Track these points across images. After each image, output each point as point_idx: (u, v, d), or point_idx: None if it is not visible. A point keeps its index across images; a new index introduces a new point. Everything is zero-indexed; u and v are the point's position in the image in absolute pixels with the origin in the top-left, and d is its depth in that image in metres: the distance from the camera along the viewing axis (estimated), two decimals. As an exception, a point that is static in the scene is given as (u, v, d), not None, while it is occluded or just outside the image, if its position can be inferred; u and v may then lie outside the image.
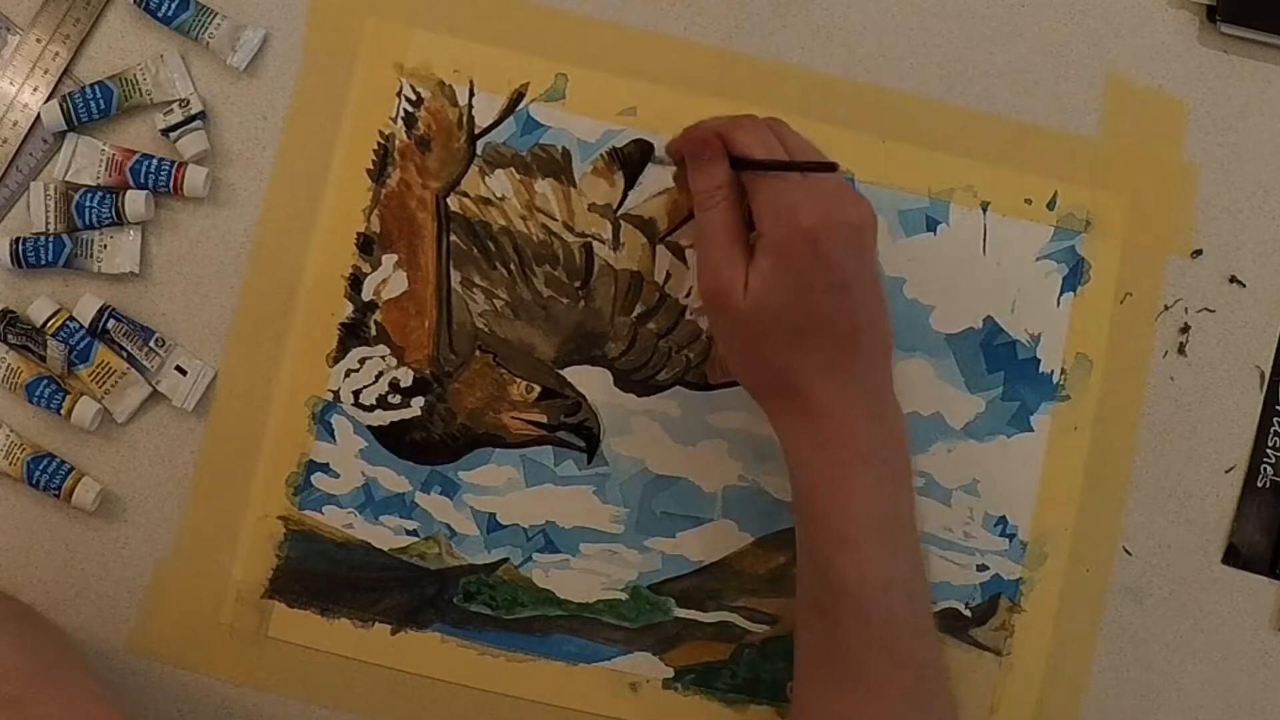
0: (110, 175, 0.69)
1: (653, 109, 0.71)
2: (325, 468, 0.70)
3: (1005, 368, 0.71)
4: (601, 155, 0.71)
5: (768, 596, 0.70)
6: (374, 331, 0.70)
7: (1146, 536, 0.71)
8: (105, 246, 0.69)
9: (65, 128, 0.69)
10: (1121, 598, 0.71)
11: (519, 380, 0.70)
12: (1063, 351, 0.71)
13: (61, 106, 0.69)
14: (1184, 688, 0.71)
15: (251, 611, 0.70)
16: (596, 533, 0.70)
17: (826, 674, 0.58)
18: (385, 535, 0.70)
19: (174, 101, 0.69)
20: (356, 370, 0.70)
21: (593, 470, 0.70)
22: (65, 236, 0.69)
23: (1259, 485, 0.71)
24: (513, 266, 0.71)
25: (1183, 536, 0.72)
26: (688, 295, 0.71)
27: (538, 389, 0.70)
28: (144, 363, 0.69)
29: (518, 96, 0.71)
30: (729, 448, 0.71)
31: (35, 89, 0.69)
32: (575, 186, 0.71)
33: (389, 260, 0.70)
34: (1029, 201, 0.72)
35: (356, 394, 0.70)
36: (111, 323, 0.69)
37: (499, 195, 0.71)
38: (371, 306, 0.70)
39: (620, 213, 0.71)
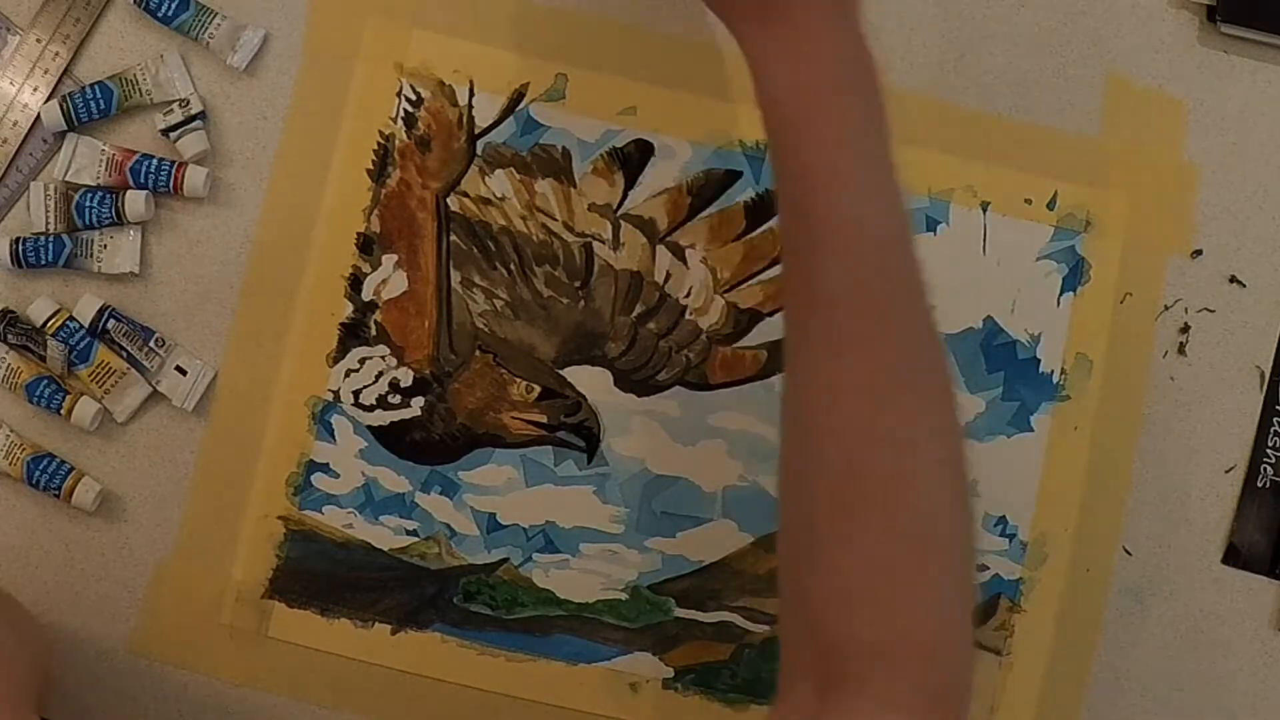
0: (110, 175, 0.69)
1: (653, 109, 0.71)
2: (325, 468, 0.70)
3: (1005, 368, 0.71)
4: (601, 155, 0.71)
5: (768, 596, 0.70)
6: (374, 331, 0.70)
7: (1146, 536, 0.71)
8: (105, 246, 0.69)
9: (65, 128, 0.69)
10: (1121, 598, 0.71)
11: (519, 380, 0.70)
12: (1063, 351, 0.71)
13: (61, 106, 0.69)
14: (1184, 688, 0.71)
15: (251, 611, 0.70)
16: (596, 533, 0.70)
17: (814, 336, 0.53)
18: (385, 535, 0.70)
19: (174, 101, 0.69)
20: (356, 370, 0.70)
21: (593, 470, 0.70)
22: (65, 236, 0.69)
23: (1259, 485, 0.71)
24: (513, 266, 0.71)
25: (1183, 536, 0.72)
26: (688, 295, 0.71)
27: (538, 389, 0.70)
28: (144, 363, 0.69)
29: (518, 96, 0.71)
30: (729, 448, 0.70)
31: (35, 89, 0.69)
32: (575, 186, 0.71)
33: (389, 260, 0.70)
34: (1029, 201, 0.71)
35: (356, 394, 0.70)
36: (111, 323, 0.69)
37: (499, 195, 0.71)
38: (371, 306, 0.70)
39: (620, 213, 0.71)
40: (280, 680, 0.70)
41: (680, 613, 0.70)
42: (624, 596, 0.70)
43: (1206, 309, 0.72)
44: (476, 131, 0.71)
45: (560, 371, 0.71)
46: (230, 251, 0.70)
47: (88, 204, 0.69)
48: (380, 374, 0.70)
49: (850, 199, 0.53)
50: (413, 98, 0.71)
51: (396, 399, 0.70)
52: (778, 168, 0.56)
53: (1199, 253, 0.72)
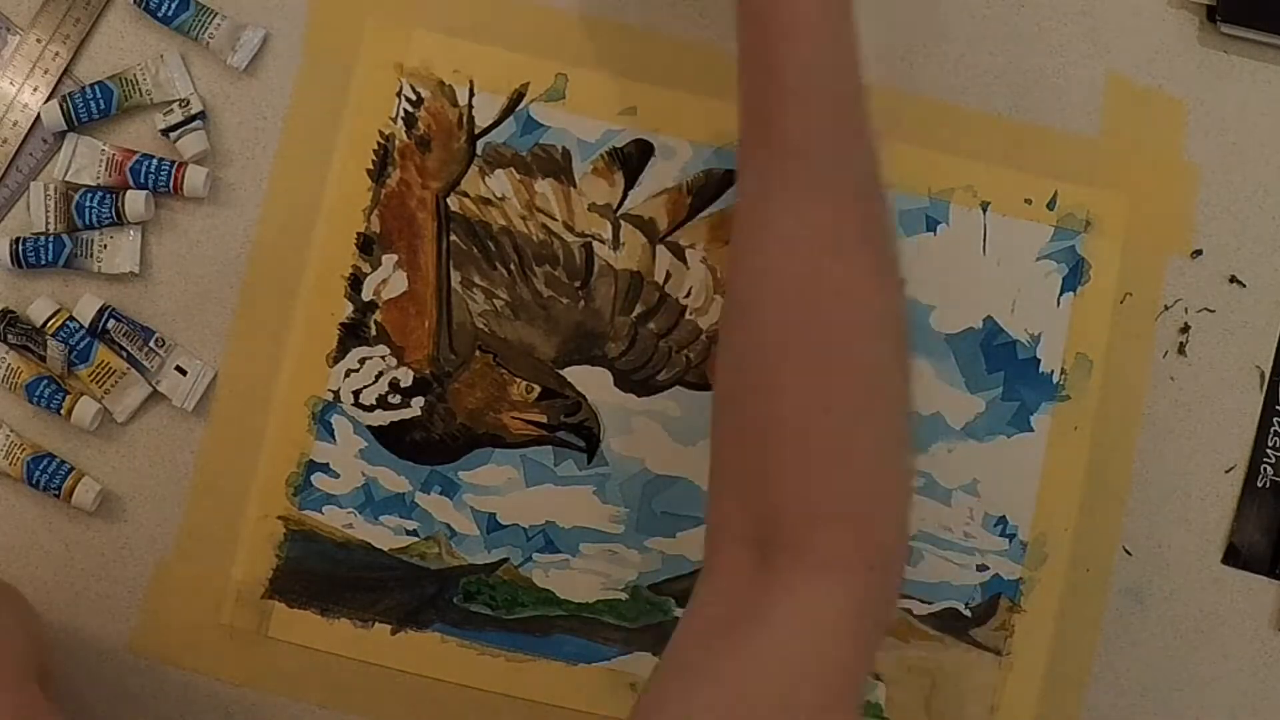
0: (110, 175, 0.69)
1: (653, 109, 0.71)
2: (325, 468, 0.70)
3: (1005, 368, 0.71)
4: (601, 155, 0.71)
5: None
6: (374, 331, 0.70)
7: (1146, 536, 0.71)
8: (105, 246, 0.69)
9: (65, 128, 0.69)
10: (1121, 598, 0.71)
11: (519, 380, 0.70)
12: (1063, 351, 0.71)
13: (61, 106, 0.69)
14: (1184, 688, 0.71)
15: (251, 611, 0.70)
16: (596, 533, 0.70)
17: (770, 187, 0.53)
18: (385, 535, 0.70)
19: (174, 101, 0.69)
20: (356, 370, 0.70)
21: (593, 470, 0.70)
22: (65, 236, 0.69)
23: (1259, 485, 0.71)
24: (513, 266, 0.71)
25: (1183, 536, 0.72)
26: (687, 295, 0.71)
27: (538, 389, 0.70)
28: (144, 363, 0.69)
29: (518, 96, 0.71)
30: (729, 448, 0.70)
31: (35, 89, 0.69)
32: (575, 186, 0.71)
33: (389, 260, 0.70)
34: (1029, 201, 0.71)
35: (356, 394, 0.70)
36: (111, 323, 0.69)
37: (499, 195, 0.71)
38: (371, 306, 0.70)
39: (620, 213, 0.71)
40: (280, 680, 0.70)
41: (680, 613, 0.70)
42: (624, 596, 0.70)
43: (1206, 309, 0.72)
44: (476, 131, 0.71)
45: (560, 371, 0.71)
46: (230, 251, 0.70)
47: (88, 204, 0.69)
48: (380, 374, 0.70)
49: (815, 51, 0.53)
50: (413, 98, 0.71)
51: (396, 399, 0.70)
52: (742, 13, 0.55)
53: (1199, 253, 0.72)
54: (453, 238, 0.71)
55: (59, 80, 0.70)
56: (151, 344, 0.69)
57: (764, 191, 0.53)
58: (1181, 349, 0.72)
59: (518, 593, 0.70)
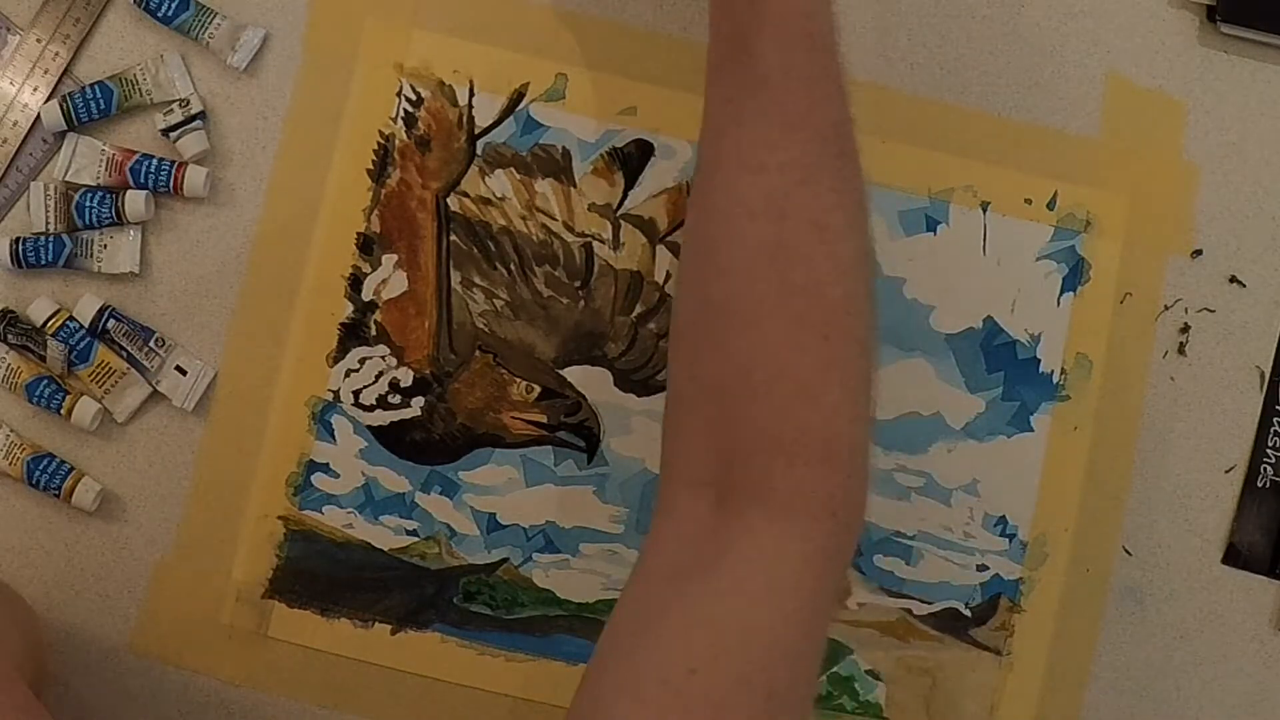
0: (110, 175, 0.69)
1: (653, 109, 0.71)
2: (325, 468, 0.70)
3: (1005, 368, 0.71)
4: (601, 155, 0.71)
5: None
6: (374, 331, 0.70)
7: (1146, 536, 0.71)
8: (105, 246, 0.69)
9: (65, 128, 0.69)
10: (1121, 598, 0.71)
11: (519, 380, 0.70)
12: (1063, 351, 0.71)
13: (61, 106, 0.69)
14: (1184, 688, 0.71)
15: (251, 611, 0.70)
16: (596, 533, 0.70)
17: (745, 117, 0.52)
18: (385, 535, 0.70)
19: (174, 101, 0.69)
20: (356, 370, 0.70)
21: (593, 470, 0.70)
22: (65, 236, 0.69)
23: (1259, 485, 0.71)
24: (513, 266, 0.71)
25: (1183, 536, 0.72)
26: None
27: (538, 389, 0.70)
28: (144, 363, 0.69)
29: (518, 96, 0.71)
30: (729, 448, 0.70)
31: (35, 89, 0.69)
32: (575, 186, 0.71)
33: (389, 260, 0.70)
34: (1029, 201, 0.71)
35: (356, 394, 0.70)
36: (111, 323, 0.69)
37: (499, 195, 0.71)
38: (371, 306, 0.70)
39: (620, 213, 0.71)
40: (280, 680, 0.70)
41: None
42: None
43: (1206, 309, 0.72)
44: (476, 131, 0.71)
45: (560, 371, 0.71)
46: (230, 251, 0.70)
47: (88, 204, 0.68)
48: (380, 374, 0.70)
49: None
50: (413, 98, 0.71)
51: (396, 399, 0.70)
52: None
53: (1199, 253, 0.72)
54: (453, 238, 0.70)
55: (59, 80, 0.70)
56: (151, 344, 0.69)
57: (735, 119, 0.52)
58: (1181, 349, 0.72)
59: (518, 593, 0.70)
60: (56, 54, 0.70)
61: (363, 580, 0.70)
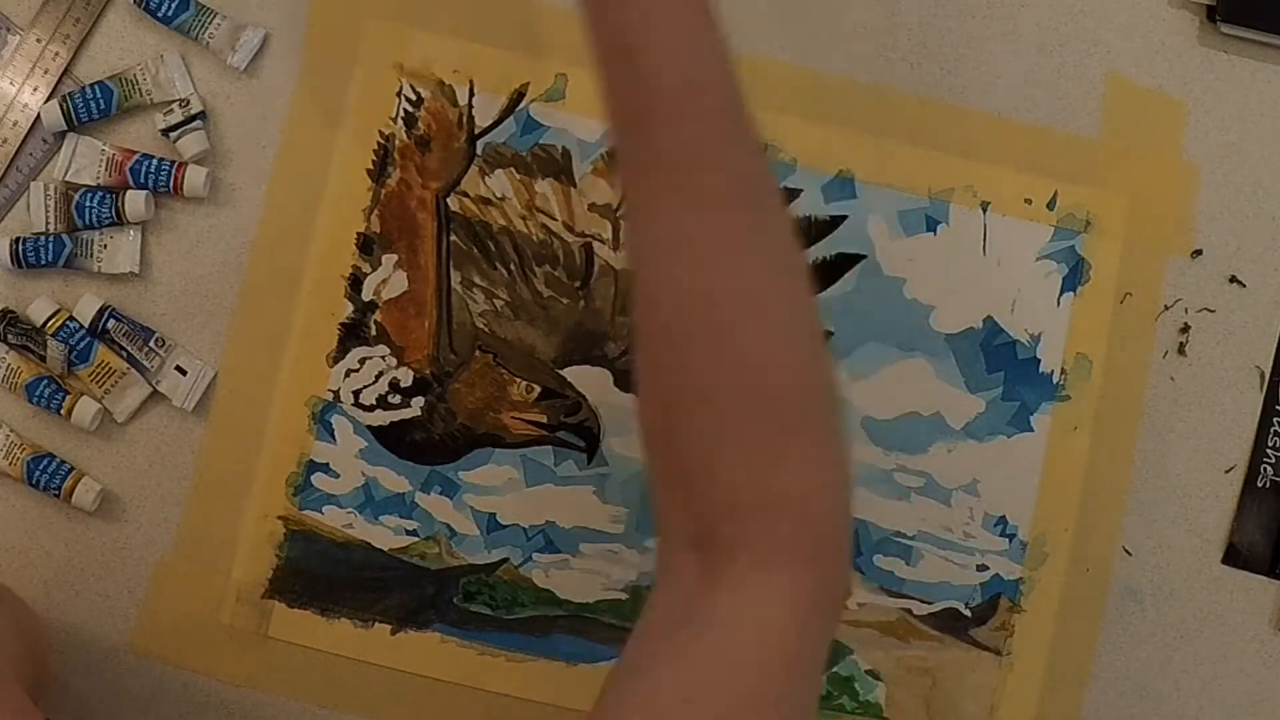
0: (110, 175, 0.69)
1: (653, 109, 0.71)
2: (325, 468, 0.70)
3: (1005, 368, 0.71)
4: (601, 155, 0.71)
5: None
6: (374, 331, 0.70)
7: (1146, 536, 0.71)
8: (105, 246, 0.69)
9: (65, 128, 0.69)
10: (1121, 598, 0.71)
11: (519, 380, 0.70)
12: (1063, 351, 0.71)
13: (61, 106, 0.69)
14: (1184, 688, 0.71)
15: (251, 611, 0.69)
16: (597, 533, 0.70)
17: (652, 192, 0.52)
18: (385, 535, 0.70)
19: (174, 101, 0.69)
20: (356, 370, 0.70)
21: (593, 470, 0.70)
22: (65, 236, 0.69)
23: (1259, 485, 0.71)
24: (513, 266, 0.71)
25: (1183, 536, 0.71)
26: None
27: (538, 389, 0.70)
28: (144, 363, 0.69)
29: (518, 96, 0.71)
30: (729, 448, 0.70)
31: (35, 89, 0.69)
32: (575, 186, 0.71)
33: (389, 260, 0.70)
34: (1029, 201, 0.71)
35: (356, 394, 0.70)
36: (111, 323, 0.69)
37: (499, 195, 0.71)
38: (371, 306, 0.70)
39: (620, 212, 0.71)
40: (280, 680, 0.70)
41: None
42: (624, 597, 0.70)
43: (1206, 309, 0.72)
44: (476, 131, 0.71)
45: (560, 371, 0.70)
46: (230, 251, 0.70)
47: (88, 204, 0.68)
48: (380, 374, 0.70)
49: (684, 52, 0.51)
50: (413, 98, 0.71)
51: (396, 399, 0.70)
52: (594, 20, 0.53)
53: (1199, 253, 0.72)
54: (453, 238, 0.70)
55: (59, 80, 0.70)
56: (151, 344, 0.69)
57: (647, 201, 0.52)
58: (1181, 349, 0.72)
59: (518, 593, 0.70)
60: (56, 54, 0.69)
61: (363, 580, 0.70)
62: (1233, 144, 0.72)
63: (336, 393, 0.70)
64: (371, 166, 0.70)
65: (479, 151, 0.71)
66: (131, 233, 0.69)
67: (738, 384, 0.50)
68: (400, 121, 0.70)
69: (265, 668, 0.70)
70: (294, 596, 0.70)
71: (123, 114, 0.70)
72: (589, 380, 0.70)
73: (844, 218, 0.71)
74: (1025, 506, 0.71)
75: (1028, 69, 0.72)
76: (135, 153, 0.69)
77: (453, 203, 0.70)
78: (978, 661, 0.70)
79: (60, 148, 0.69)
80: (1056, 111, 0.72)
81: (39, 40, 0.69)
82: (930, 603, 0.70)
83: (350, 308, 0.70)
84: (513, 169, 0.71)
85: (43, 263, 0.68)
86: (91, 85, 0.69)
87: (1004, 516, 0.71)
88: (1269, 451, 0.71)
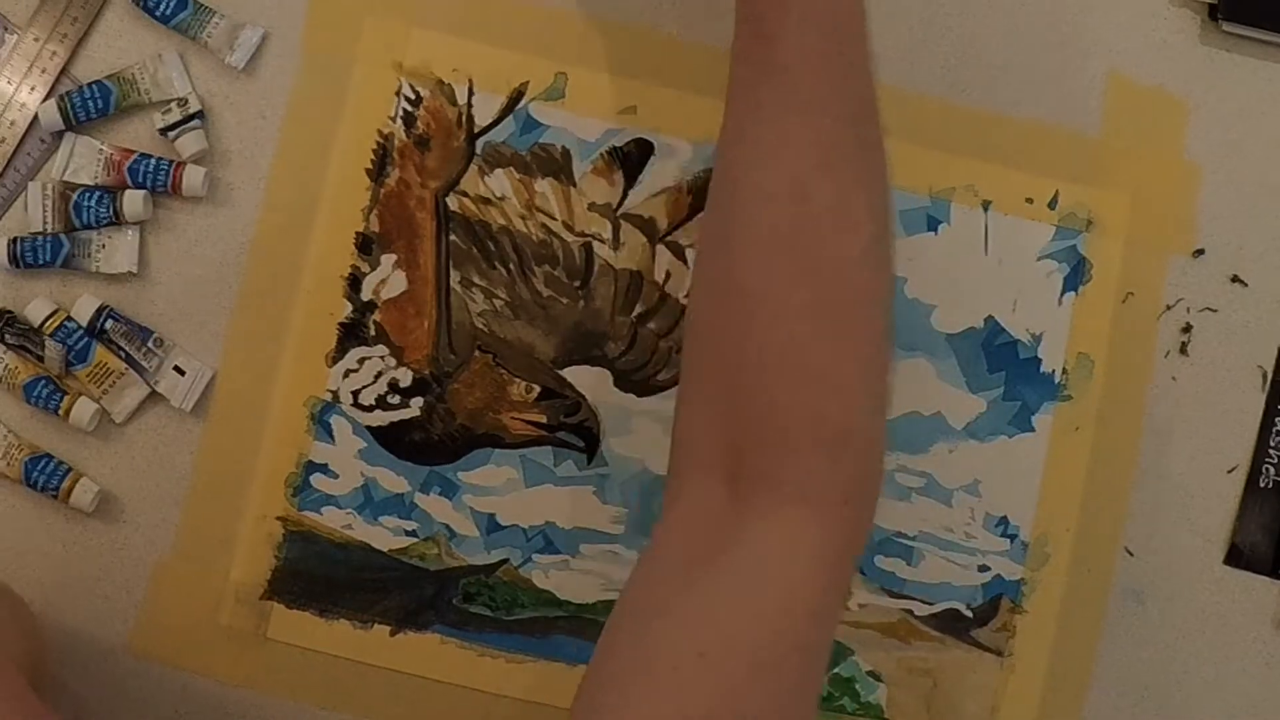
0: (108, 175, 0.69)
1: (653, 108, 0.71)
2: (324, 468, 0.70)
3: (1007, 367, 0.71)
4: (601, 154, 0.70)
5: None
6: (373, 331, 0.70)
7: (1148, 537, 0.71)
8: (103, 246, 0.69)
9: (63, 127, 0.69)
10: (1123, 599, 0.71)
11: (519, 380, 0.70)
12: (1064, 351, 0.71)
13: (59, 106, 0.68)
14: (1186, 689, 0.71)
15: (250, 612, 0.69)
16: (597, 533, 0.70)
17: (761, 99, 0.52)
18: (384, 536, 0.70)
19: (172, 101, 0.69)
20: (355, 370, 0.70)
21: (593, 470, 0.70)
22: (63, 236, 0.68)
23: (1261, 485, 0.71)
24: (512, 266, 0.70)
25: (1185, 537, 0.71)
26: (688, 295, 0.71)
27: (537, 389, 0.70)
28: (142, 363, 0.69)
29: (517, 95, 0.71)
30: (729, 448, 0.70)
31: (33, 88, 0.69)
32: (575, 186, 0.71)
33: (388, 260, 0.70)
34: (1030, 201, 0.71)
35: (355, 394, 0.70)
36: (109, 323, 0.69)
37: (498, 195, 0.70)
38: (370, 306, 0.70)
39: (620, 212, 0.71)
40: (279, 681, 0.69)
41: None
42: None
43: (1209, 308, 0.72)
44: (476, 131, 0.71)
45: (560, 371, 0.70)
46: (229, 251, 0.70)
47: (85, 204, 0.68)
48: (379, 374, 0.70)
49: None
50: (411, 97, 0.70)
51: (396, 399, 0.70)
52: None
53: (1201, 252, 0.72)
54: (452, 237, 0.70)
55: (57, 79, 0.69)
56: (150, 344, 0.69)
57: (754, 107, 0.52)
58: (1183, 348, 0.72)
59: (518, 594, 0.70)
60: (54, 53, 0.69)
61: (362, 581, 0.70)
62: (1235, 143, 0.72)
63: (335, 393, 0.70)
64: (370, 166, 0.70)
65: (478, 151, 0.70)
66: (129, 232, 0.69)
67: (811, 295, 0.48)
68: (399, 121, 0.70)
69: (264, 669, 0.69)
70: (293, 597, 0.69)
71: (121, 113, 0.69)
72: (589, 380, 0.70)
73: (845, 217, 0.70)
74: (1026, 507, 0.70)
75: (1029, 67, 0.72)
76: (133, 152, 0.69)
77: (452, 202, 0.70)
78: (979, 662, 0.70)
79: (58, 147, 0.69)
80: (1058, 110, 0.72)
81: (36, 39, 0.69)
82: (931, 604, 0.70)
83: (349, 308, 0.70)
84: (512, 168, 0.70)
85: (40, 263, 0.68)
86: (89, 84, 0.69)
87: (1005, 517, 0.71)
88: (1271, 451, 0.71)
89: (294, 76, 0.70)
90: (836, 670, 0.70)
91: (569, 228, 0.71)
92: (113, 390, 0.69)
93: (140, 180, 0.68)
